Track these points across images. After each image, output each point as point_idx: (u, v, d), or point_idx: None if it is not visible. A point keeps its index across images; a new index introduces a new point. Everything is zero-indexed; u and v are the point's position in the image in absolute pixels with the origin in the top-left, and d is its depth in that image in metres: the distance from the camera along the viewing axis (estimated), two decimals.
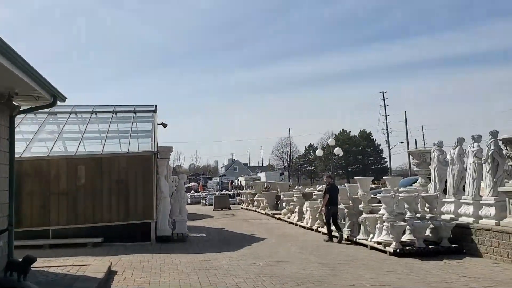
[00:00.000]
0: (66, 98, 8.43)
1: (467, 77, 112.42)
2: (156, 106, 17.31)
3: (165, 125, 17.14)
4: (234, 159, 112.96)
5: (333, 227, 13.70)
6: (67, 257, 10.76)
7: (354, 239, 13.00)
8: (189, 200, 38.39)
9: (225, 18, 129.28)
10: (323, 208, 14.26)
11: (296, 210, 18.90)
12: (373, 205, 13.12)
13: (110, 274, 8.97)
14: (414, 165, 14.42)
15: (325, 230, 14.38)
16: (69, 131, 16.32)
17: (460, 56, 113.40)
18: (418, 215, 11.62)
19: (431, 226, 11.30)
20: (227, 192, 40.49)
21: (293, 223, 18.83)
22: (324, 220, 14.49)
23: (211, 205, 31.59)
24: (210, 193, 39.90)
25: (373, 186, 32.96)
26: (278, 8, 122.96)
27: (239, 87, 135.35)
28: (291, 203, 20.00)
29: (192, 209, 29.63)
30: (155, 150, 14.26)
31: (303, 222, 17.62)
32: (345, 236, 13.57)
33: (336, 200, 14.16)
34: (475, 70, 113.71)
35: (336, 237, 13.56)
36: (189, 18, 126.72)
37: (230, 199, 33.63)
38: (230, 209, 29.84)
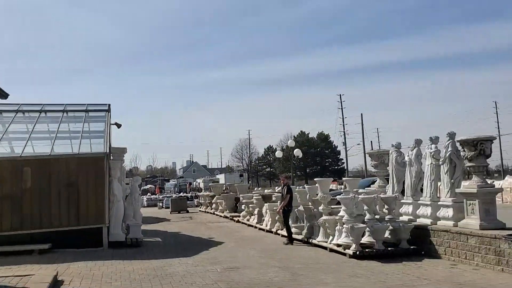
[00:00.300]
0: (8, 94, 7.79)
1: (423, 80, 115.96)
2: (109, 105, 16.58)
3: (119, 125, 16.46)
4: (192, 161, 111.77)
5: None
6: (9, 266, 9.99)
7: (314, 241, 12.81)
8: (145, 203, 37.50)
9: (187, 17, 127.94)
10: (284, 208, 14.10)
11: (256, 212, 18.61)
12: (332, 206, 12.99)
13: (56, 284, 8.34)
14: (372, 166, 14.42)
15: (284, 232, 14.15)
16: (16, 130, 15.34)
17: (417, 59, 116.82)
18: (377, 216, 11.56)
19: (390, 227, 11.24)
20: (185, 194, 39.78)
21: (252, 226, 18.51)
22: (283, 222, 14.25)
23: (168, 208, 30.87)
24: (168, 195, 39.10)
25: (334, 187, 33.13)
26: (239, 10, 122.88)
27: (198, 88, 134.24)
28: (250, 205, 19.69)
29: (148, 212, 28.84)
30: (108, 151, 13.59)
31: (262, 225, 17.33)
32: (304, 239, 13.39)
33: (292, 201, 14.04)
34: (430, 74, 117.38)
35: (295, 239, 13.37)
36: (149, 16, 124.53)
37: (188, 202, 33.03)
38: (187, 212, 29.24)
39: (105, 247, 12.98)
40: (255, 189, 30.73)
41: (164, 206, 34.05)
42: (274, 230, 15.76)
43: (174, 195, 37.65)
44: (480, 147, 9.79)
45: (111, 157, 14.31)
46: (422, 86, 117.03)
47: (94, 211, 13.04)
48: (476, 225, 9.62)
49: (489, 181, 11.44)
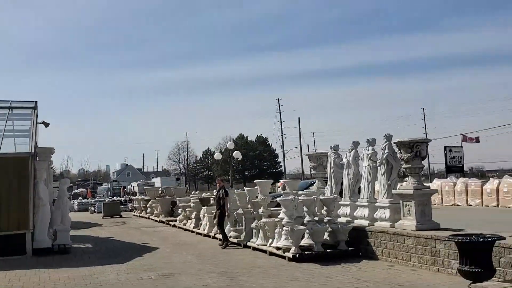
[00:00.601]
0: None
1: (357, 86, 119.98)
2: (36, 102, 15.46)
3: (46, 124, 15.41)
4: (127, 164, 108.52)
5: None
6: None
7: (253, 245, 12.55)
8: (76, 207, 35.79)
9: (125, 16, 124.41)
10: (228, 213, 13.85)
11: (193, 216, 18.10)
12: (272, 209, 12.80)
13: None
14: (311, 168, 14.41)
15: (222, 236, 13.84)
16: None
17: (352, 67, 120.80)
18: (316, 218, 11.49)
19: (329, 229, 11.20)
20: (118, 198, 38.34)
21: (189, 230, 17.98)
22: (221, 226, 13.91)
23: (100, 212, 29.55)
24: (100, 199, 37.52)
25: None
26: (177, 10, 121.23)
27: (135, 89, 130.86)
28: (187, 209, 19.14)
29: (79, 217, 27.45)
30: (33, 151, 12.60)
31: (200, 229, 16.86)
32: (243, 242, 13.11)
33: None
34: (364, 80, 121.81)
35: (234, 242, 13.12)
36: (74, 15, 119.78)
37: (122, 206, 31.81)
38: (121, 216, 28.10)
39: (29, 254, 12.02)
40: (193, 192, 30.08)
41: (96, 210, 32.62)
42: (212, 234, 15.34)
43: (107, 199, 36.17)
44: (416, 149, 9.95)
45: (37, 158, 13.30)
46: (357, 91, 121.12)
47: (16, 216, 12.04)
48: (412, 226, 9.75)
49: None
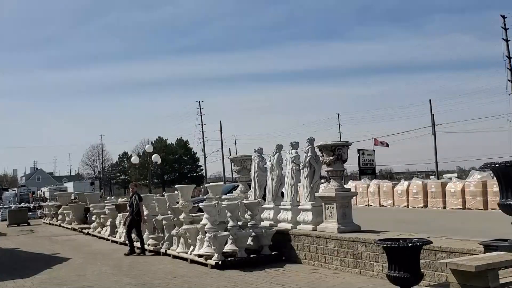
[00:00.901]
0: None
1: (279, 91, 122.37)
2: None
3: None
4: (37, 168, 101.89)
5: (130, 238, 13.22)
6: None
7: (173, 253, 12.02)
8: None
9: (31, 14, 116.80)
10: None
11: (108, 223, 17.11)
12: (194, 215, 12.36)
13: None
14: (235, 171, 14.16)
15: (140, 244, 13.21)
16: None
17: (271, 72, 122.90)
18: (240, 223, 11.23)
19: (253, 234, 10.98)
20: (26, 205, 35.63)
21: (104, 238, 16.97)
22: (134, 232, 13.45)
23: (5, 220, 27.18)
24: (5, 206, 34.61)
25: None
26: (92, 9, 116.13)
27: (46, 89, 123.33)
28: (102, 216, 18.07)
29: None
30: None
31: (116, 237, 15.94)
32: (163, 251, 12.54)
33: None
34: (283, 86, 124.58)
35: (138, 247, 12.96)
36: None
37: (30, 213, 29.53)
38: (29, 224, 26.01)
39: None
40: (108, 198, 28.69)
41: (0, 218, 30.00)
42: (121, 241, 14.52)
43: (13, 206, 33.43)
44: (338, 152, 10.03)
45: None
46: (274, 96, 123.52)
47: None
48: (334, 229, 9.81)
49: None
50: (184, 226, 11.71)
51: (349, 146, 10.41)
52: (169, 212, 12.89)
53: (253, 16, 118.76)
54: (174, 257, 11.89)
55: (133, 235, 13.34)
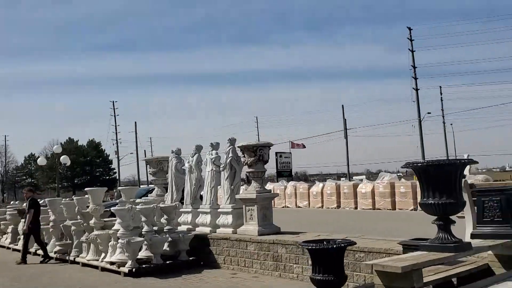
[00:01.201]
0: None
1: (197, 93, 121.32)
2: None
3: None
4: None
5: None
6: None
7: (83, 260, 11.18)
8: None
9: None
10: (29, 226, 12.41)
11: (9, 230, 15.66)
12: (105, 220, 11.59)
13: None
14: (150, 174, 13.50)
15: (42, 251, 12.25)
16: None
17: (188, 73, 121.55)
18: (155, 228, 10.69)
19: (170, 239, 10.48)
20: None
21: (4, 247, 15.51)
22: (24, 239, 12.63)
23: None
24: None
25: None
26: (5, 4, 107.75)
27: None
28: (2, 222, 16.53)
29: None
30: None
31: (18, 245, 14.58)
32: (71, 258, 11.64)
33: (39, 216, 12.80)
34: (194, 87, 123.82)
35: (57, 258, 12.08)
36: None
37: None
38: None
39: None
40: (12, 202, 26.44)
41: None
42: (32, 250, 13.33)
43: None
44: (259, 152, 9.88)
45: None
46: (194, 98, 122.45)
47: None
48: (254, 231, 9.63)
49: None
50: (95, 232, 10.93)
51: (271, 147, 10.29)
52: (78, 217, 11.98)
53: (170, 16, 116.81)
54: (84, 265, 11.06)
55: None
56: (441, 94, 58.50)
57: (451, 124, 62.66)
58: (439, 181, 4.42)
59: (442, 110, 58.00)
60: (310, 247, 4.53)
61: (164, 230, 10.65)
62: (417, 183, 25.91)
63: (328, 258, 4.47)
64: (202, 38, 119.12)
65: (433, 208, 4.47)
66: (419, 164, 4.50)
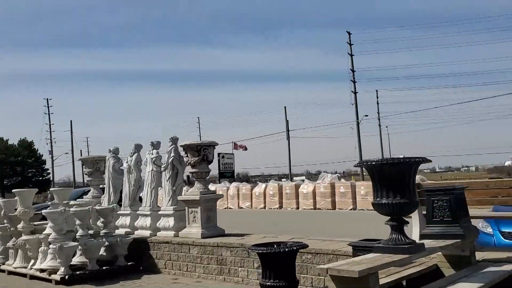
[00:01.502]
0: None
1: (137, 92, 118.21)
2: None
3: None
4: None
5: None
6: None
7: (9, 268, 10.29)
8: None
9: None
10: None
11: None
12: (36, 223, 10.75)
13: None
14: (86, 174, 12.71)
15: None
16: None
17: (130, 72, 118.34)
18: (91, 232, 10.02)
19: (107, 243, 9.85)
20: None
21: None
22: None
23: None
24: None
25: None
26: None
27: None
28: None
29: None
30: None
31: None
32: None
33: None
34: (136, 88, 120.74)
35: None
36: None
37: None
38: None
39: None
40: None
41: None
42: None
43: None
44: (203, 152, 9.50)
45: None
46: (134, 98, 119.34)
47: None
48: (197, 234, 9.23)
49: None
50: (23, 237, 10.08)
51: (215, 147, 9.93)
52: (5, 221, 11.05)
53: (111, 13, 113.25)
54: (10, 273, 10.18)
55: None
56: (377, 97, 60.49)
57: (387, 126, 65.12)
58: (393, 180, 4.28)
59: (378, 113, 59.95)
60: (260, 251, 4.23)
61: (101, 234, 10.00)
62: (356, 183, 26.56)
63: (280, 262, 4.20)
64: (145, 37, 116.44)
65: (386, 208, 4.32)
66: (374, 163, 4.33)
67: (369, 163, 4.40)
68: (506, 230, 7.33)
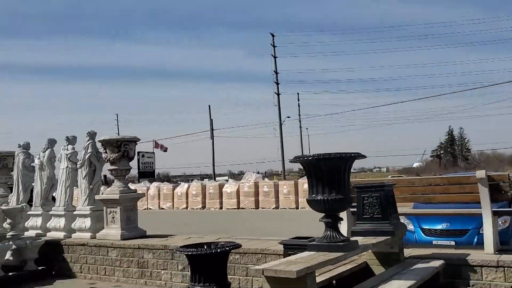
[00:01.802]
0: None
1: (53, 86, 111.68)
2: None
3: None
4: None
5: None
6: None
7: None
8: None
9: None
10: None
11: None
12: None
13: None
14: None
15: None
16: None
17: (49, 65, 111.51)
18: None
19: (14, 247, 8.94)
20: None
21: None
22: None
23: None
24: None
25: None
26: None
27: None
28: None
29: None
30: None
31: None
32: None
33: None
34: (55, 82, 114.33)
35: None
36: None
37: None
38: None
39: None
40: None
41: None
42: None
43: None
44: (124, 148, 8.92)
45: None
46: (49, 92, 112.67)
47: None
48: (117, 236, 8.65)
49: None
50: None
51: (137, 142, 9.38)
52: None
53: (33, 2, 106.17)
54: None
55: None
56: (298, 100, 61.91)
57: (307, 128, 66.92)
58: (328, 176, 4.16)
59: (299, 114, 61.39)
60: (189, 253, 3.91)
61: (7, 237, 9.07)
62: (280, 182, 26.79)
63: (211, 264, 3.91)
64: (66, 29, 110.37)
65: (321, 204, 4.18)
66: (310, 158, 4.18)
67: (305, 158, 4.25)
68: (426, 227, 7.58)
